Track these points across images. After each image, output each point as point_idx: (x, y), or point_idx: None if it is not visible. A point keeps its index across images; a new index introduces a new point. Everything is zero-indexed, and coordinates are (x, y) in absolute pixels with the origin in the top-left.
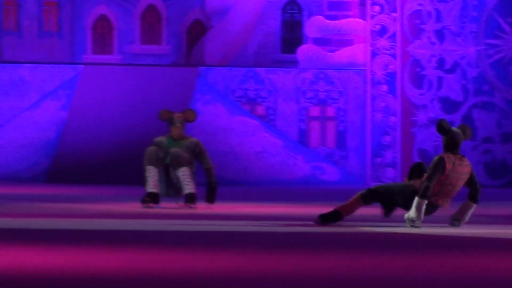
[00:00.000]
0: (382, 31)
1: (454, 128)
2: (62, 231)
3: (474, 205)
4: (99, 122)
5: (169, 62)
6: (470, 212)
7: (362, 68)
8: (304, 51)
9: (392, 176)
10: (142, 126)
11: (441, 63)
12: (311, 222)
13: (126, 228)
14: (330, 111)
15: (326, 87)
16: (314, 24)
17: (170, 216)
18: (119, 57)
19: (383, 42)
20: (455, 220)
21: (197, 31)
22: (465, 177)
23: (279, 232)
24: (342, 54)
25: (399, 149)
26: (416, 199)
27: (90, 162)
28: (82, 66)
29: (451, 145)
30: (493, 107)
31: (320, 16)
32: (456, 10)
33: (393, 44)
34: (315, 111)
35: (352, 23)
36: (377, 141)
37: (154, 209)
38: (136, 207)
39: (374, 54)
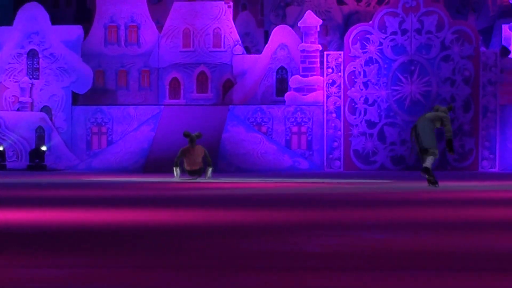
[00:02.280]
0: (333, 83)
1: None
2: (151, 197)
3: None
4: (172, 138)
5: (212, 103)
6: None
7: (321, 104)
8: (289, 95)
9: (338, 165)
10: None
11: (366, 100)
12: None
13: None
14: (303, 129)
15: (301, 115)
16: (294, 80)
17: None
18: (184, 101)
19: (333, 89)
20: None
21: (228, 85)
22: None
23: (280, 193)
24: (310, 97)
25: (342, 150)
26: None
27: (166, 161)
28: (163, 106)
29: None
30: (396, 124)
31: (298, 75)
32: (374, 70)
33: (339, 90)
34: (295, 129)
35: (316, 79)
36: (330, 145)
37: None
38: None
39: (328, 96)
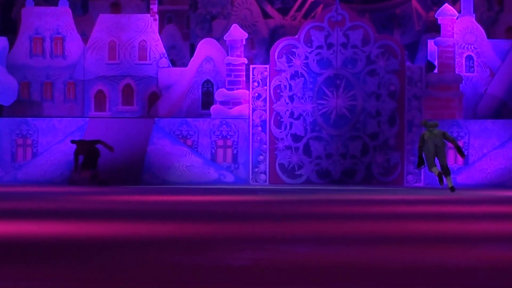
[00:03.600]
0: (258, 97)
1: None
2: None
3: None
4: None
5: (138, 116)
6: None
7: (247, 118)
8: (214, 108)
9: (263, 179)
10: (119, 149)
11: (292, 114)
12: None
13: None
14: (229, 142)
15: (227, 129)
16: (220, 93)
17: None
18: (109, 113)
19: (259, 103)
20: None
21: (154, 98)
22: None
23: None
24: (236, 110)
25: (268, 164)
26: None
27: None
28: (88, 118)
29: None
30: (321, 138)
31: (224, 89)
32: (300, 84)
33: (265, 104)
34: (220, 142)
35: (242, 93)
36: (255, 159)
37: None
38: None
39: (253, 110)
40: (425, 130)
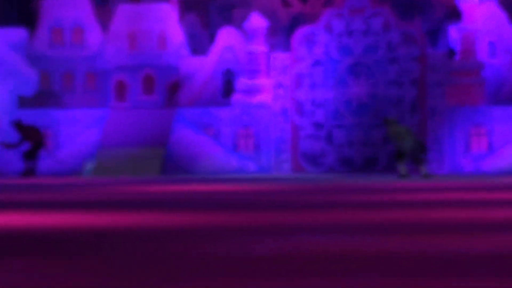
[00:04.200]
0: (279, 85)
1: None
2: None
3: None
4: (119, 140)
5: (159, 106)
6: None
7: (268, 106)
8: (235, 98)
9: (286, 168)
10: (141, 139)
11: (313, 102)
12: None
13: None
14: (251, 131)
15: (248, 118)
16: (241, 82)
17: None
18: (129, 104)
19: (280, 91)
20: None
21: (174, 87)
22: None
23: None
24: (257, 99)
25: (290, 152)
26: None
27: (113, 163)
28: (109, 109)
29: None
30: (343, 127)
31: (244, 78)
32: (321, 72)
33: (286, 92)
34: (242, 131)
35: (262, 81)
36: (277, 148)
37: None
38: None
39: (275, 99)
40: (394, 125)
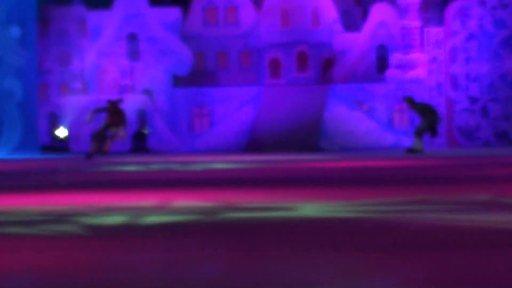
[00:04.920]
0: (433, 60)
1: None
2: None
3: None
4: (274, 117)
5: (312, 82)
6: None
7: (423, 81)
8: (389, 73)
9: (441, 142)
10: (295, 115)
11: (468, 76)
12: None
13: None
14: (405, 106)
15: (402, 92)
16: (395, 58)
17: None
18: (284, 81)
19: (434, 66)
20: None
21: (328, 64)
22: None
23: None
24: (411, 74)
25: (445, 127)
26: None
27: (268, 140)
28: (263, 86)
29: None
30: (499, 100)
31: (398, 53)
32: (475, 46)
33: (440, 67)
34: (396, 107)
35: (417, 56)
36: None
37: None
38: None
39: (429, 73)
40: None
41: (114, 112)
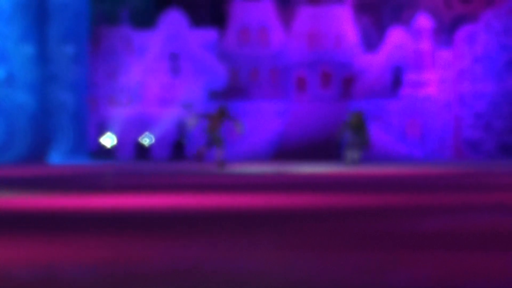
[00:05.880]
0: (444, 80)
1: None
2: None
3: None
4: (300, 130)
5: (334, 99)
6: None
7: (434, 98)
8: (403, 91)
9: (449, 155)
10: (318, 126)
11: (474, 95)
12: None
13: None
14: (418, 121)
15: (414, 109)
16: (408, 77)
17: None
18: (309, 97)
19: (444, 85)
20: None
21: (349, 82)
22: None
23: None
24: (423, 92)
25: (452, 141)
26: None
27: (296, 150)
28: (291, 101)
29: None
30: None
31: (412, 73)
32: (482, 67)
33: (450, 85)
34: (409, 122)
35: (428, 77)
36: (442, 136)
37: None
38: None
39: (440, 91)
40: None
41: (218, 117)
